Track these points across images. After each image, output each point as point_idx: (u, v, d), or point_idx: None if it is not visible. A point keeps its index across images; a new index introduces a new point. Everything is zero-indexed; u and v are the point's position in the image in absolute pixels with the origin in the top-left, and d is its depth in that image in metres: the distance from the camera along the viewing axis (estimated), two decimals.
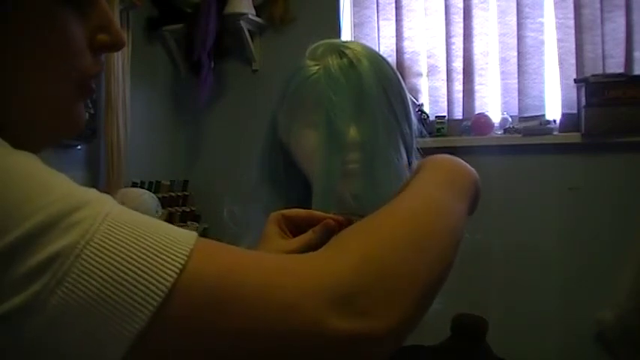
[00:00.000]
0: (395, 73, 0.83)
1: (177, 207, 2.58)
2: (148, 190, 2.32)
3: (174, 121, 2.78)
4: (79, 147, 2.28)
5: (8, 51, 0.43)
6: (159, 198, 2.26)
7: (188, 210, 2.62)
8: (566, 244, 2.10)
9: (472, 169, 0.61)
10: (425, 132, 0.91)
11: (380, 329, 0.39)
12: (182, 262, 0.37)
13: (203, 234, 2.45)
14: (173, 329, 0.36)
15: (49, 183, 0.37)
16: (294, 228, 0.65)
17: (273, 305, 0.38)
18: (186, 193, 2.65)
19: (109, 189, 2.24)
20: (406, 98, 0.84)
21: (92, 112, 2.23)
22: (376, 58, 0.82)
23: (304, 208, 0.69)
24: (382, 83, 0.80)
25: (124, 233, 0.37)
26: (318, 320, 0.38)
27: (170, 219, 2.45)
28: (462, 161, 0.62)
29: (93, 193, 0.39)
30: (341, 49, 0.81)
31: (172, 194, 2.57)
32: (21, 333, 0.34)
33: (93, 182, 2.31)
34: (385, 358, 0.42)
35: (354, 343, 0.39)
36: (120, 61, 2.31)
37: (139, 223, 0.38)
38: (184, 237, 0.39)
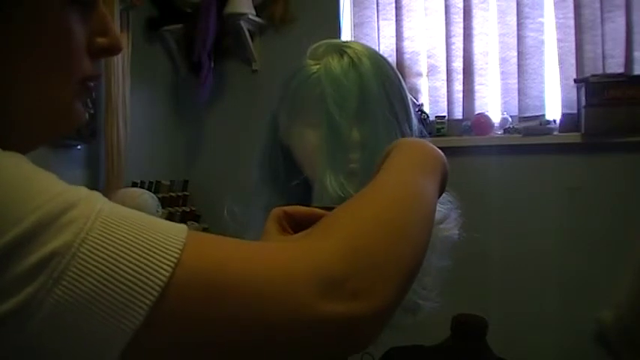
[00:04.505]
0: (395, 73, 0.83)
1: (177, 207, 2.58)
2: (148, 190, 2.32)
3: (174, 121, 2.78)
4: (79, 147, 2.27)
5: (9, 50, 0.43)
6: (159, 198, 2.26)
7: (188, 210, 2.61)
8: (566, 244, 2.10)
9: (440, 151, 0.64)
10: (425, 132, 0.91)
11: (370, 310, 0.41)
12: (176, 256, 0.37)
13: None
14: (169, 324, 0.37)
15: (40, 183, 0.38)
16: (295, 225, 0.66)
17: (266, 294, 0.39)
18: (186, 193, 2.65)
19: (109, 189, 2.24)
20: (406, 98, 0.84)
21: (92, 112, 2.23)
22: (377, 58, 0.82)
23: (306, 206, 0.69)
24: (383, 83, 0.80)
25: (117, 230, 0.37)
26: (310, 306, 0.39)
27: (170, 219, 2.45)
28: (432, 144, 0.64)
29: (83, 191, 0.39)
30: (342, 49, 0.81)
31: (172, 194, 2.57)
32: (19, 334, 0.34)
33: (93, 182, 2.30)
34: (373, 341, 0.43)
35: (346, 325, 0.40)
36: (120, 61, 2.31)
37: (130, 219, 0.38)
38: (176, 231, 0.39)
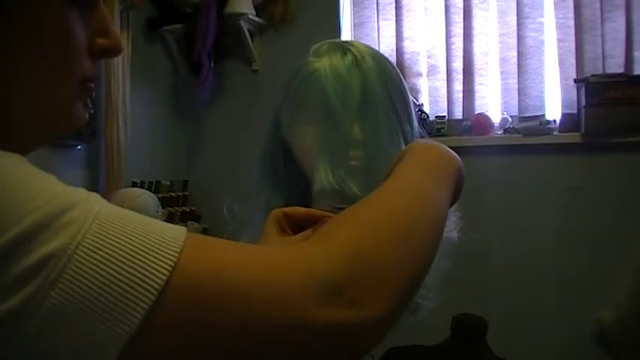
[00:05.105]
0: (398, 74, 0.83)
1: (177, 207, 2.58)
2: (148, 190, 2.32)
3: (174, 121, 2.78)
4: (79, 147, 2.27)
5: (9, 50, 0.43)
6: (159, 198, 2.26)
7: (188, 210, 2.62)
8: (566, 244, 2.10)
9: (456, 155, 0.62)
10: (424, 133, 0.91)
11: (369, 318, 0.40)
12: (173, 260, 0.37)
13: (203, 234, 2.45)
14: (167, 327, 0.37)
15: (38, 185, 0.37)
16: (295, 226, 0.66)
17: (264, 299, 0.38)
18: (186, 193, 2.65)
19: (109, 189, 2.24)
20: (408, 98, 0.84)
21: (92, 112, 2.23)
22: (380, 58, 0.82)
23: (305, 207, 0.69)
24: (385, 82, 0.80)
25: (114, 233, 0.37)
26: (308, 312, 0.38)
27: (170, 219, 2.45)
28: (447, 148, 0.62)
29: (82, 192, 0.39)
30: (345, 47, 0.81)
31: (172, 194, 2.57)
32: (16, 336, 0.34)
33: (93, 182, 2.31)
34: (374, 347, 0.43)
35: (344, 333, 0.40)
36: (120, 61, 2.31)
37: (128, 221, 0.38)
38: (174, 234, 0.39)
